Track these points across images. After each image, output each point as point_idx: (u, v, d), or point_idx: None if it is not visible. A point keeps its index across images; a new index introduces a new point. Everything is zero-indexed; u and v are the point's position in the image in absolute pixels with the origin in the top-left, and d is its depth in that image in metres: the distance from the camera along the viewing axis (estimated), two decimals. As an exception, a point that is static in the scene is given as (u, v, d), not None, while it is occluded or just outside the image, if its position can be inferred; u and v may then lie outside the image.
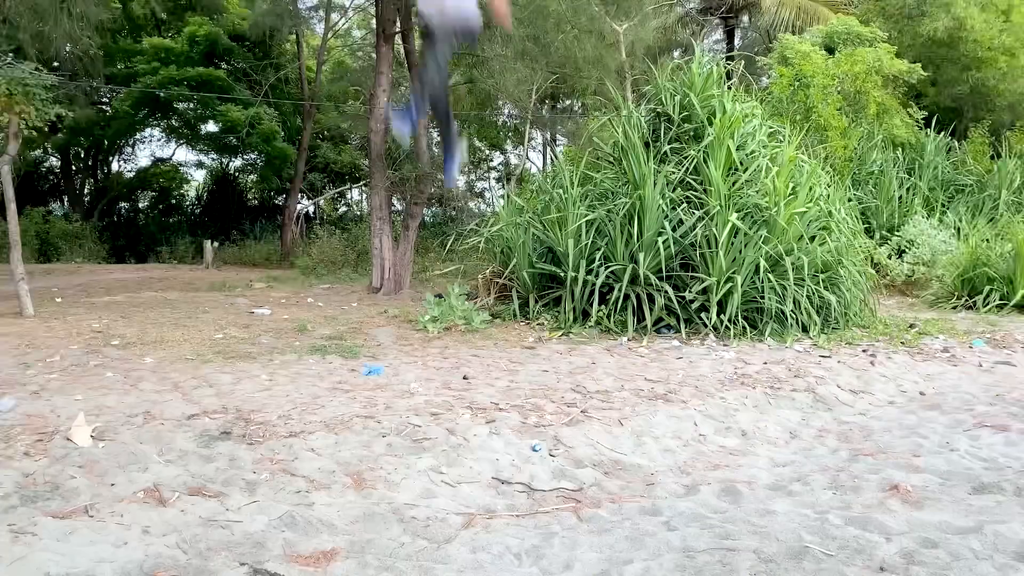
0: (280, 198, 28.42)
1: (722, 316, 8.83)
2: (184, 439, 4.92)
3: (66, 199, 28.43)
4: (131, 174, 29.37)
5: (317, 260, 18.72)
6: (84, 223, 24.96)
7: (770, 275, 8.95)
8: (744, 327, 8.92)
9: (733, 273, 8.93)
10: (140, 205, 30.48)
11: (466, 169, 28.48)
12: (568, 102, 27.12)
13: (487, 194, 31.07)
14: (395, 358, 7.70)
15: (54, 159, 28.45)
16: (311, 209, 28.95)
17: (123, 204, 30.14)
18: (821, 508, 4.14)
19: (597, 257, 9.38)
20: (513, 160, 30.73)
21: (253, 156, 27.68)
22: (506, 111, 27.53)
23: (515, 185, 19.24)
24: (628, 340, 8.67)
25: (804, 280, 9.13)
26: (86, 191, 28.99)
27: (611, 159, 11.08)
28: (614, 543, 3.78)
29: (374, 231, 13.54)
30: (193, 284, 15.18)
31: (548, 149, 30.21)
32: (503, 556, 3.64)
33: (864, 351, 8.50)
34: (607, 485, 4.61)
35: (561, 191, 9.99)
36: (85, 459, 4.48)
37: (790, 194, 9.52)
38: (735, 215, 9.04)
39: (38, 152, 27.50)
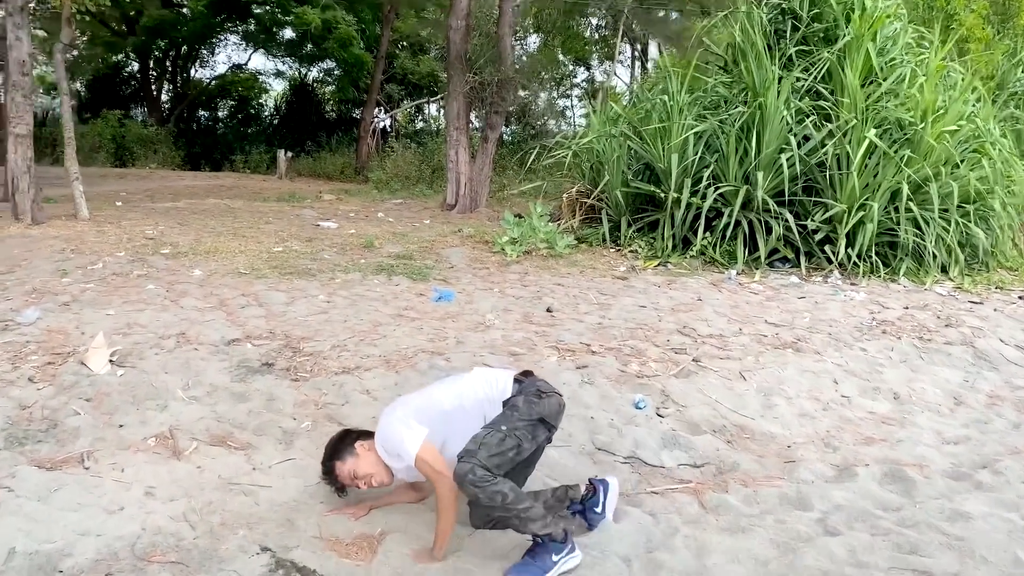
0: (357, 112, 27.50)
1: (850, 250, 7.54)
2: (217, 370, 4.11)
3: (145, 105, 28.20)
4: (210, 82, 28.90)
5: (391, 174, 17.81)
6: (160, 128, 24.66)
7: (911, 203, 7.57)
8: (875, 263, 7.62)
9: (867, 200, 7.58)
10: (219, 114, 30.12)
11: (549, 85, 26.78)
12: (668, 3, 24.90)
13: (568, 113, 29.33)
14: (468, 283, 6.76)
15: (135, 64, 28.13)
16: (387, 123, 27.99)
17: (202, 112, 29.83)
18: (1035, 515, 3.06)
19: (705, 176, 8.10)
20: (598, 76, 28.89)
21: (330, 64, 26.75)
22: (594, 21, 25.66)
23: (601, 102, 17.75)
24: (737, 274, 7.49)
25: (949, 211, 7.71)
26: (164, 97, 28.70)
27: (723, 64, 9.63)
28: (757, 550, 2.79)
29: (450, 142, 12.47)
30: (261, 193, 14.53)
31: (637, 64, 28.22)
32: (605, 559, 2.70)
33: (1021, 298, 7.14)
34: (733, 460, 3.60)
35: (665, 97, 8.65)
36: (96, 390, 3.72)
37: (938, 109, 8.01)
38: (873, 131, 7.62)
39: (120, 56, 27.20)
